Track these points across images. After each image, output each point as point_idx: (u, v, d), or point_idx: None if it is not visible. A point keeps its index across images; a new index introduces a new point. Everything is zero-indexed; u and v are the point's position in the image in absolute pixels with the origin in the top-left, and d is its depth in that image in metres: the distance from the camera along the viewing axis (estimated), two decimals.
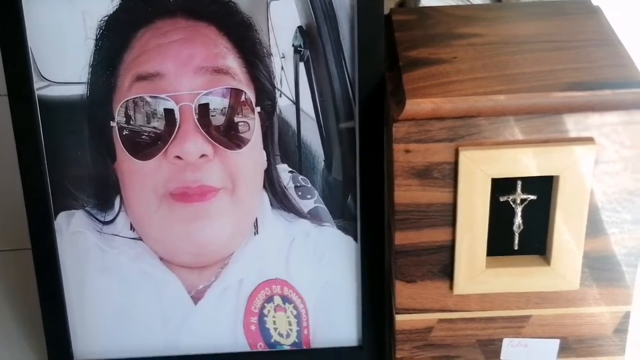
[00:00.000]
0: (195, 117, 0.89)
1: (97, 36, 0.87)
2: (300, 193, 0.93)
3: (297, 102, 0.90)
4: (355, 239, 0.95)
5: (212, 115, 0.89)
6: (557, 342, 0.92)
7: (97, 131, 0.90)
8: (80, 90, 0.89)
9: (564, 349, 0.93)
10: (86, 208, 0.94)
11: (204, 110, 0.89)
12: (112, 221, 0.94)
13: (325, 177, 0.93)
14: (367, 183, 0.92)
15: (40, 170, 0.91)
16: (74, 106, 0.89)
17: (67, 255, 0.95)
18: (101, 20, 0.87)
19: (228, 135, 0.90)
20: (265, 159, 0.92)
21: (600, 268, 0.88)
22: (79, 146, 0.91)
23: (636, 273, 0.89)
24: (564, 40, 0.89)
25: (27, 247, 1.16)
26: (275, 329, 0.99)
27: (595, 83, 0.81)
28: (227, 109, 0.89)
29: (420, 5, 1.15)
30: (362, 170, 0.92)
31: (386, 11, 0.94)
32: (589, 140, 0.81)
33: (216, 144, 0.90)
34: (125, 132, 0.90)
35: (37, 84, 0.89)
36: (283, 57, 0.88)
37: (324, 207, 0.94)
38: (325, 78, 0.89)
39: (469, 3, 1.15)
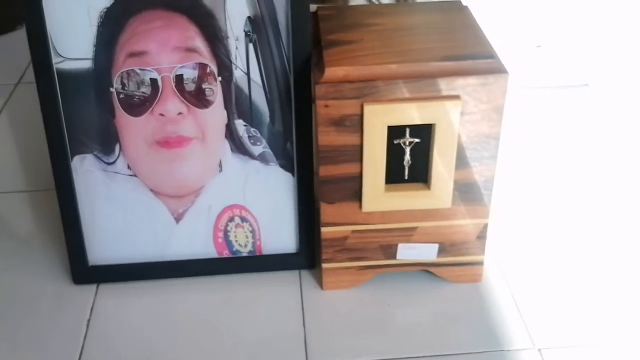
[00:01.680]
0: (173, 84, 0.86)
1: (98, 23, 0.84)
2: (252, 141, 0.91)
3: (248, 74, 0.87)
4: (293, 174, 0.93)
5: (186, 83, 0.86)
6: (436, 245, 0.92)
7: (100, 95, 0.87)
8: (87, 64, 0.85)
9: (441, 251, 0.92)
10: (94, 153, 0.90)
11: (179, 79, 0.86)
12: (113, 162, 0.91)
13: (270, 129, 0.90)
14: (300, 132, 0.90)
15: (59, 125, 0.88)
16: (82, 76, 0.86)
17: (81, 188, 0.92)
18: (101, 11, 0.83)
19: (198, 98, 0.87)
20: (226, 115, 0.89)
21: (466, 191, 0.88)
22: (88, 106, 0.88)
23: (492, 195, 0.89)
24: (440, 27, 0.88)
25: (49, 188, 1.15)
26: (236, 241, 0.97)
27: (461, 55, 0.81)
28: (196, 78, 0.86)
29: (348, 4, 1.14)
30: (297, 123, 0.90)
31: (314, 9, 0.92)
32: (456, 97, 0.80)
33: (189, 105, 0.87)
34: (121, 96, 0.87)
35: (55, 59, 0.85)
36: (237, 39, 0.85)
37: (270, 151, 0.91)
38: (269, 55, 0.86)
39: (378, 3, 1.13)
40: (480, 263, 0.94)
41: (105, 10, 0.83)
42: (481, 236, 0.91)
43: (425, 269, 0.94)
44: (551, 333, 0.88)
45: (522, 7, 1.69)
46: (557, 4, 1.69)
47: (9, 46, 1.68)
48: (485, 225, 0.91)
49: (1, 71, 1.55)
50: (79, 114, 0.88)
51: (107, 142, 0.90)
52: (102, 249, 0.96)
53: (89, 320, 0.92)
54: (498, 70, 0.80)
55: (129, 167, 0.91)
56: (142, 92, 0.87)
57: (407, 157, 0.85)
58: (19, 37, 1.71)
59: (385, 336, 0.88)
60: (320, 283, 0.95)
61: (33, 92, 1.45)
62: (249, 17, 0.85)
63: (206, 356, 0.86)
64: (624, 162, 1.19)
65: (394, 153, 0.84)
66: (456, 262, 0.93)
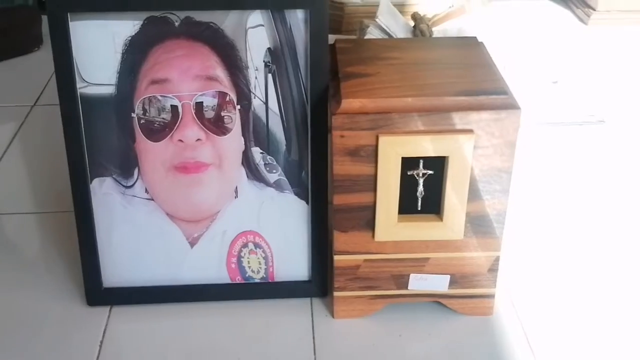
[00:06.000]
0: (193, 111, 0.91)
1: (123, 51, 0.89)
2: (268, 168, 0.95)
3: (266, 103, 0.92)
4: (307, 202, 0.97)
5: (205, 111, 0.91)
6: (447, 277, 0.95)
7: (121, 120, 0.92)
8: (110, 89, 0.91)
9: (452, 282, 0.96)
10: (113, 176, 0.95)
11: (199, 106, 0.91)
12: (132, 186, 0.96)
13: (286, 157, 0.95)
14: (315, 162, 0.95)
15: (80, 148, 0.93)
16: (105, 101, 0.91)
17: (99, 210, 0.97)
18: (126, 39, 0.89)
19: (217, 125, 0.92)
20: (243, 143, 0.94)
21: (478, 224, 0.91)
22: (109, 131, 0.93)
23: (504, 228, 0.92)
24: (455, 63, 0.93)
25: (63, 210, 1.21)
26: (249, 267, 1.01)
27: (475, 91, 0.85)
28: (216, 106, 0.91)
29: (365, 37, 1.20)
30: (312, 153, 0.94)
31: (332, 41, 0.98)
32: (469, 131, 0.85)
33: (208, 132, 0.92)
34: (142, 121, 0.92)
35: (79, 84, 0.90)
36: (257, 69, 0.90)
37: (285, 179, 0.96)
38: (287, 85, 0.91)
39: (395, 37, 1.19)
40: (492, 296, 0.97)
41: (129, 38, 0.89)
42: (493, 269, 0.95)
43: (436, 300, 0.98)
44: None
45: (538, 43, 1.74)
46: (574, 40, 1.73)
47: (28, 68, 1.75)
48: (497, 258, 0.94)
49: (18, 93, 1.62)
50: (100, 138, 0.93)
51: (126, 166, 0.95)
52: (116, 271, 1.00)
53: (101, 342, 0.96)
54: (511, 105, 0.84)
55: (146, 190, 0.96)
56: (163, 118, 0.92)
57: (420, 188, 0.89)
58: (37, 59, 1.78)
59: None
60: (331, 311, 0.99)
61: (49, 114, 1.54)
62: (268, 49, 0.90)
63: None
64: None
65: (407, 184, 0.88)
66: (467, 294, 0.96)
